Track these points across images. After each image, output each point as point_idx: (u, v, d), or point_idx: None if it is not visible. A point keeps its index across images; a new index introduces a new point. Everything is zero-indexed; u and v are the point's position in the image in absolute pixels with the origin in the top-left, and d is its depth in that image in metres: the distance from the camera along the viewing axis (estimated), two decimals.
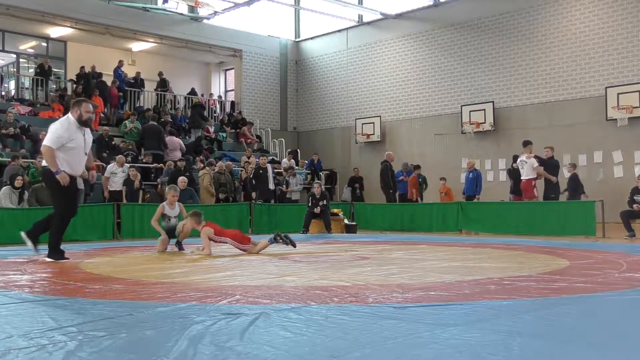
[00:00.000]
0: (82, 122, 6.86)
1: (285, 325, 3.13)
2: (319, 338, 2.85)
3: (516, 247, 8.80)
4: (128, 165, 14.34)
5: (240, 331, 2.97)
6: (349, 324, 3.15)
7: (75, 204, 7.22)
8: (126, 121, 17.96)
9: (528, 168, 12.96)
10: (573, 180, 13.49)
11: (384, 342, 2.74)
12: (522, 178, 13.16)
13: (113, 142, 16.74)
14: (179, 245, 8.51)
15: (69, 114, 6.95)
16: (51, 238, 6.99)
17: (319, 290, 4.39)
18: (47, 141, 6.70)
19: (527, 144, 13.28)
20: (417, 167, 16.91)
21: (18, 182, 11.67)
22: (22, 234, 7.23)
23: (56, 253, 6.93)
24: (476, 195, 15.31)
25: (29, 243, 7.13)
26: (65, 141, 6.69)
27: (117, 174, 13.80)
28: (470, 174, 15.60)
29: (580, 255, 7.24)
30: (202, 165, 16.19)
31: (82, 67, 19.17)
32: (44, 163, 6.92)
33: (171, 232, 8.54)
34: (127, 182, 13.76)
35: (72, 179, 6.89)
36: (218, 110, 23.19)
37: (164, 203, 8.73)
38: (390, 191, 16.04)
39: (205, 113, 22.39)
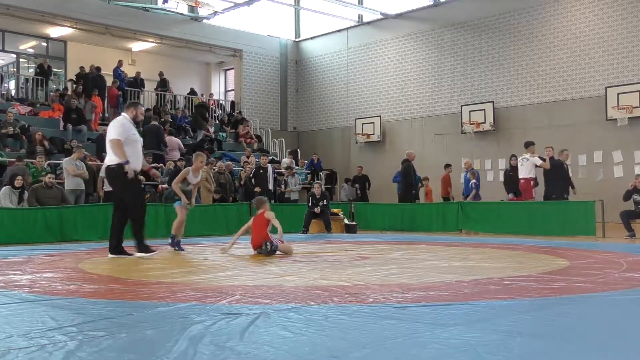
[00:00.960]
0: (136, 123, 7.49)
1: (285, 325, 3.13)
2: (319, 338, 2.85)
3: (516, 247, 8.80)
4: None
5: (240, 331, 2.97)
6: (349, 324, 3.16)
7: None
8: None
9: (529, 166, 12.93)
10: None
11: (384, 342, 2.74)
12: (520, 177, 13.10)
13: None
14: (176, 243, 8.43)
15: (124, 114, 7.50)
16: (136, 234, 7.35)
17: (319, 290, 4.40)
18: (114, 135, 7.11)
19: (530, 144, 13.26)
20: (448, 165, 16.77)
21: (18, 182, 11.67)
22: (138, 255, 7.32)
23: (145, 247, 7.31)
24: (468, 196, 15.31)
25: (145, 254, 7.27)
26: (128, 134, 7.19)
27: None
28: (468, 174, 15.62)
29: (580, 255, 7.24)
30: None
31: (82, 67, 19.17)
32: (106, 164, 7.28)
33: (186, 195, 8.57)
34: None
35: (136, 173, 7.34)
36: (218, 111, 23.19)
37: (189, 168, 8.62)
38: (413, 191, 15.75)
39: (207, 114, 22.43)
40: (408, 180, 15.68)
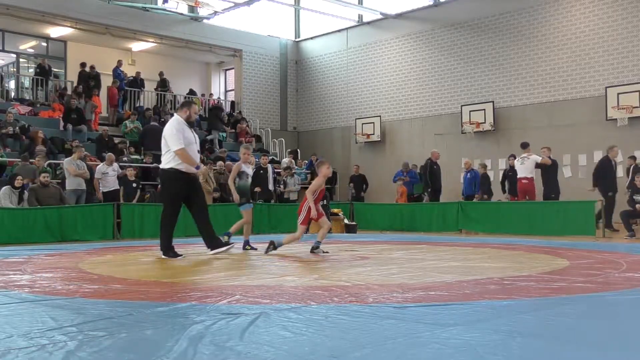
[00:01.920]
0: (190, 122, 7.26)
1: (285, 325, 3.13)
2: (319, 338, 2.85)
3: (516, 247, 8.80)
4: (118, 163, 14.12)
5: (240, 331, 2.97)
6: (349, 324, 3.15)
7: (199, 201, 7.45)
8: (126, 121, 17.96)
9: (530, 165, 12.93)
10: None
11: (384, 342, 2.74)
12: (521, 176, 13.08)
13: (117, 143, 16.68)
14: (246, 242, 8.40)
15: (176, 115, 7.34)
16: (163, 237, 7.29)
17: (319, 290, 4.40)
18: (175, 144, 6.97)
19: (527, 145, 13.30)
20: (484, 165, 16.59)
21: (18, 182, 11.68)
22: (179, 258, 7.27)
23: (170, 250, 7.23)
24: (476, 195, 15.28)
25: (177, 256, 7.22)
26: (182, 139, 7.04)
27: (108, 174, 13.46)
28: (468, 174, 15.60)
29: (580, 255, 7.24)
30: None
31: (84, 64, 19.13)
32: (163, 166, 7.21)
33: (246, 193, 8.44)
34: (124, 182, 13.64)
35: (189, 177, 7.23)
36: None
37: (239, 162, 8.57)
38: (429, 190, 15.73)
39: (206, 113, 22.43)
40: (431, 180, 15.51)
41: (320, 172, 7.86)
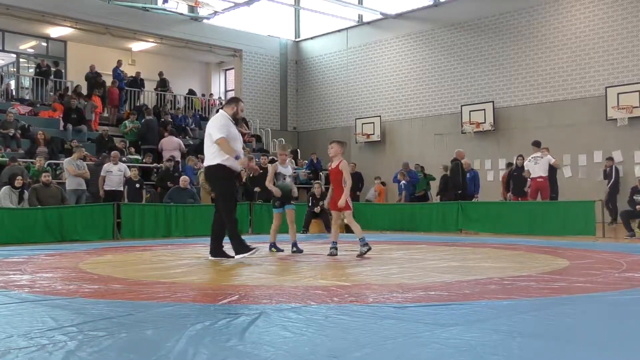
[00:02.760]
0: (236, 120, 7.10)
1: (285, 325, 3.13)
2: (319, 338, 2.85)
3: (516, 247, 8.80)
4: (124, 164, 14.07)
5: (240, 331, 2.97)
6: (349, 324, 3.15)
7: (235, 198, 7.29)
8: (126, 121, 17.96)
9: (545, 164, 12.96)
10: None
11: (384, 342, 2.74)
12: (535, 175, 13.02)
13: (120, 143, 16.67)
14: (273, 245, 8.11)
15: (222, 111, 7.15)
16: (232, 236, 6.96)
17: (319, 290, 4.40)
18: (217, 134, 6.77)
19: (539, 143, 13.35)
20: (510, 164, 16.29)
21: (18, 182, 11.68)
22: (208, 258, 7.09)
23: (244, 247, 6.89)
24: (475, 195, 15.26)
25: (245, 254, 6.90)
26: (229, 132, 6.86)
27: (112, 172, 13.31)
28: (468, 174, 15.57)
29: (580, 255, 7.24)
30: (202, 165, 16.19)
31: (92, 67, 19.13)
32: (209, 162, 6.94)
33: (286, 195, 8.15)
34: (127, 182, 13.62)
35: (234, 173, 7.09)
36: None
37: (276, 163, 8.36)
38: (459, 192, 14.53)
39: (206, 113, 22.43)
40: (455, 181, 14.75)
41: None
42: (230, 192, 7.09)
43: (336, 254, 7.28)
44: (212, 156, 6.91)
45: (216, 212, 7.21)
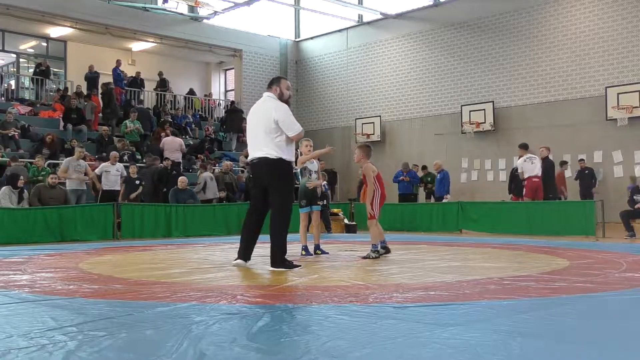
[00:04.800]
0: (284, 101, 6.03)
1: (285, 325, 3.13)
2: (319, 338, 2.85)
3: (516, 247, 8.80)
4: (122, 164, 14.07)
5: (241, 331, 2.97)
6: (349, 324, 3.15)
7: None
8: (126, 121, 17.95)
9: (539, 163, 12.96)
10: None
11: (384, 342, 2.74)
12: (532, 174, 12.96)
13: (122, 144, 16.67)
14: (304, 248, 7.51)
15: (267, 93, 6.05)
16: (281, 244, 5.85)
17: (319, 290, 4.40)
18: (295, 125, 5.89)
19: (527, 145, 13.33)
20: (564, 162, 15.53)
21: (20, 182, 11.68)
22: (238, 262, 6.04)
23: (284, 261, 5.83)
24: (445, 196, 15.30)
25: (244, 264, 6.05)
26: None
27: (110, 172, 13.32)
28: (439, 174, 15.66)
29: (580, 255, 7.24)
30: (201, 165, 16.19)
31: (91, 67, 19.16)
32: (267, 154, 5.84)
33: (312, 194, 7.48)
34: (127, 179, 13.59)
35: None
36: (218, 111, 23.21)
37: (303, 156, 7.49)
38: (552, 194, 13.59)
39: (205, 113, 22.44)
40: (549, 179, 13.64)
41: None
42: (292, 194, 6.15)
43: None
44: (269, 148, 5.82)
45: (254, 214, 6.10)
